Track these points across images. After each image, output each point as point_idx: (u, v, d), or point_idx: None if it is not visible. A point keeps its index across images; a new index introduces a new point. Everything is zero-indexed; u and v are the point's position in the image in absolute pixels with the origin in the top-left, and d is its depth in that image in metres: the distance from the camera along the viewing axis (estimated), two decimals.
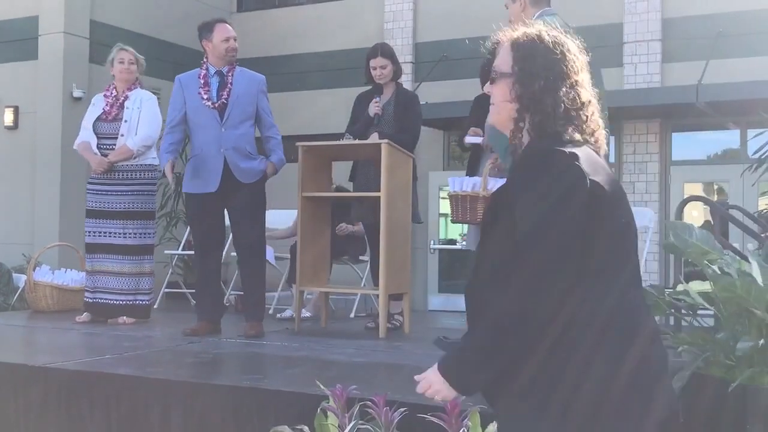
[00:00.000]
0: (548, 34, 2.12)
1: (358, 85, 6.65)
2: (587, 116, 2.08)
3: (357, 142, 5.85)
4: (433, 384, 2.00)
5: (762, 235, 5.30)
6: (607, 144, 2.20)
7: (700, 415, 2.82)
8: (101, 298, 6.03)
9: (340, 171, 6.43)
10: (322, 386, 3.04)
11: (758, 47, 10.75)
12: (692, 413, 2.85)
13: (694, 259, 2.94)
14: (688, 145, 12.01)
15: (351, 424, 2.89)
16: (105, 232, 6.03)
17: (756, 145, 7.12)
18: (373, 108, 5.93)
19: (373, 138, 5.81)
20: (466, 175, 5.14)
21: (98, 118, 6.06)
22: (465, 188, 4.81)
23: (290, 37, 13.04)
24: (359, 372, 4.12)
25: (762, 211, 7.31)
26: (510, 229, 1.97)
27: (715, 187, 12.11)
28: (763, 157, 6.79)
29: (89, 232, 6.08)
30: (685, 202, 5.71)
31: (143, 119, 6.05)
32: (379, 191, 5.31)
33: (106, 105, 6.09)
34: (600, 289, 1.96)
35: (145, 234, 6.11)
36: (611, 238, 1.99)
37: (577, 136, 2.03)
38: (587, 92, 2.10)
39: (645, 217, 7.15)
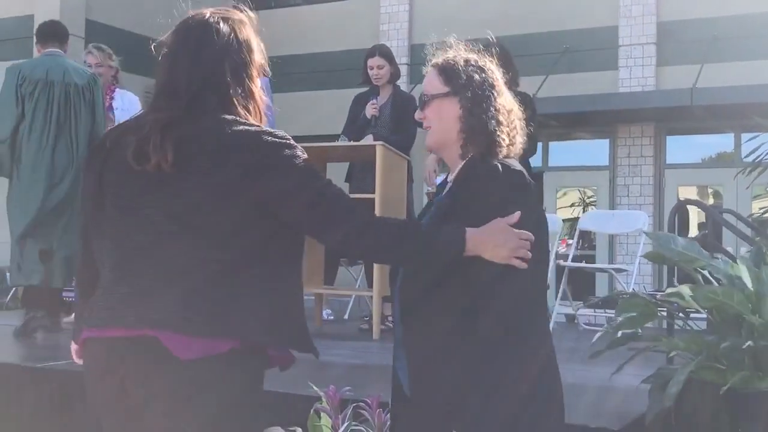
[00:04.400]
0: (467, 53, 2.28)
1: (353, 86, 6.64)
2: (511, 122, 2.23)
3: (352, 143, 5.85)
4: None
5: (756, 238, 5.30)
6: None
7: (694, 418, 2.83)
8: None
9: (337, 173, 6.42)
10: (315, 387, 3.04)
11: (753, 51, 10.76)
12: (686, 417, 2.86)
13: (683, 267, 2.94)
14: (682, 148, 12.03)
15: (344, 426, 2.90)
16: None
17: (750, 149, 7.12)
18: (370, 110, 5.92)
19: (368, 140, 5.80)
20: None
21: None
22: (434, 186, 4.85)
23: (285, 39, 13.02)
24: (353, 373, 4.12)
25: (754, 214, 7.32)
26: None
27: (710, 190, 12.14)
28: (756, 160, 6.80)
29: None
30: (678, 205, 5.71)
31: None
32: (374, 192, 5.30)
33: None
34: (540, 278, 2.17)
35: None
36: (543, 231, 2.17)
37: (506, 144, 2.19)
38: (509, 100, 2.25)
39: (639, 220, 7.15)
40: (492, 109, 2.18)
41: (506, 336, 1.99)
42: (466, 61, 2.24)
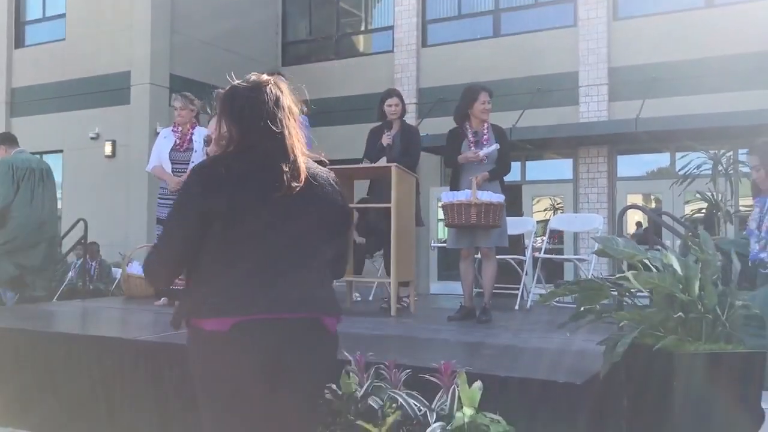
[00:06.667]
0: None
1: (371, 121, 6.64)
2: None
3: (372, 165, 5.85)
4: None
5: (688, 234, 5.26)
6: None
7: (636, 374, 2.80)
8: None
9: (361, 187, 6.43)
10: (346, 353, 3.04)
11: (683, 89, 10.72)
12: (630, 373, 2.84)
13: (626, 260, 2.93)
14: (629, 164, 11.95)
15: (368, 383, 2.90)
16: None
17: (682, 165, 7.11)
18: (385, 139, 5.92)
19: (383, 162, 5.81)
20: (450, 188, 5.19)
21: (172, 149, 6.02)
22: (459, 198, 4.85)
23: (321, 84, 13.10)
24: (375, 342, 4.11)
25: (686, 215, 7.27)
26: None
27: (652, 197, 12.04)
28: (687, 173, 6.78)
29: None
30: (624, 209, 5.67)
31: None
32: (390, 202, 5.30)
33: (177, 139, 6.05)
34: None
35: None
36: None
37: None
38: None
39: (596, 221, 7.07)
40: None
41: None
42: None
